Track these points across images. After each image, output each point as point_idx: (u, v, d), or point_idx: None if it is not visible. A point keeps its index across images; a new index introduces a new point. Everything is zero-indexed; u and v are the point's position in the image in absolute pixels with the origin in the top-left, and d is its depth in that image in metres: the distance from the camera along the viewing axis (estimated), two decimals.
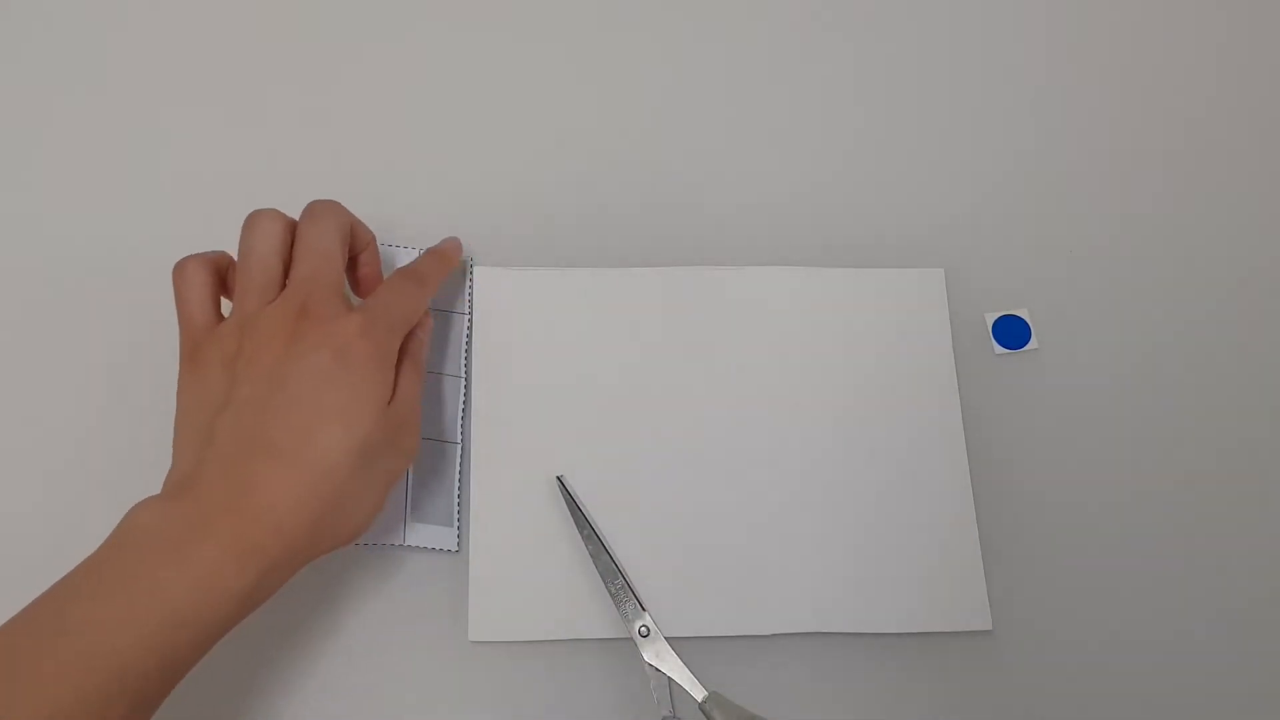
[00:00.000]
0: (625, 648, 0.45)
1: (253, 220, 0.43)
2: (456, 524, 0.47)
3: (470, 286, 0.51)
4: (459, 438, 0.49)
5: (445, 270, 0.48)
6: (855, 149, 0.56)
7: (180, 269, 0.42)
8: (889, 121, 0.57)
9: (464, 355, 0.50)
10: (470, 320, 0.50)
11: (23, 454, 0.49)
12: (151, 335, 0.47)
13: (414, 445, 0.43)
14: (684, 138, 0.56)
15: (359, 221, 0.46)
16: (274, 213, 0.43)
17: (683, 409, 0.49)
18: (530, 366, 0.49)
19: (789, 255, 0.53)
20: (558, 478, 0.47)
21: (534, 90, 0.57)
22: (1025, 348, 0.52)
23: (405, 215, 0.53)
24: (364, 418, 0.39)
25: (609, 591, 0.45)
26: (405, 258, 0.51)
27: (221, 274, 0.43)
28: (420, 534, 0.47)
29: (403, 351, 0.43)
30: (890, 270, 0.52)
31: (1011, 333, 0.52)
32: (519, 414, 0.49)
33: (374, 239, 0.47)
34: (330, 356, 0.39)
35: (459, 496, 0.48)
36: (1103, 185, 0.56)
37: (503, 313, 0.50)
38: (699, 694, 0.44)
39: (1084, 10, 0.60)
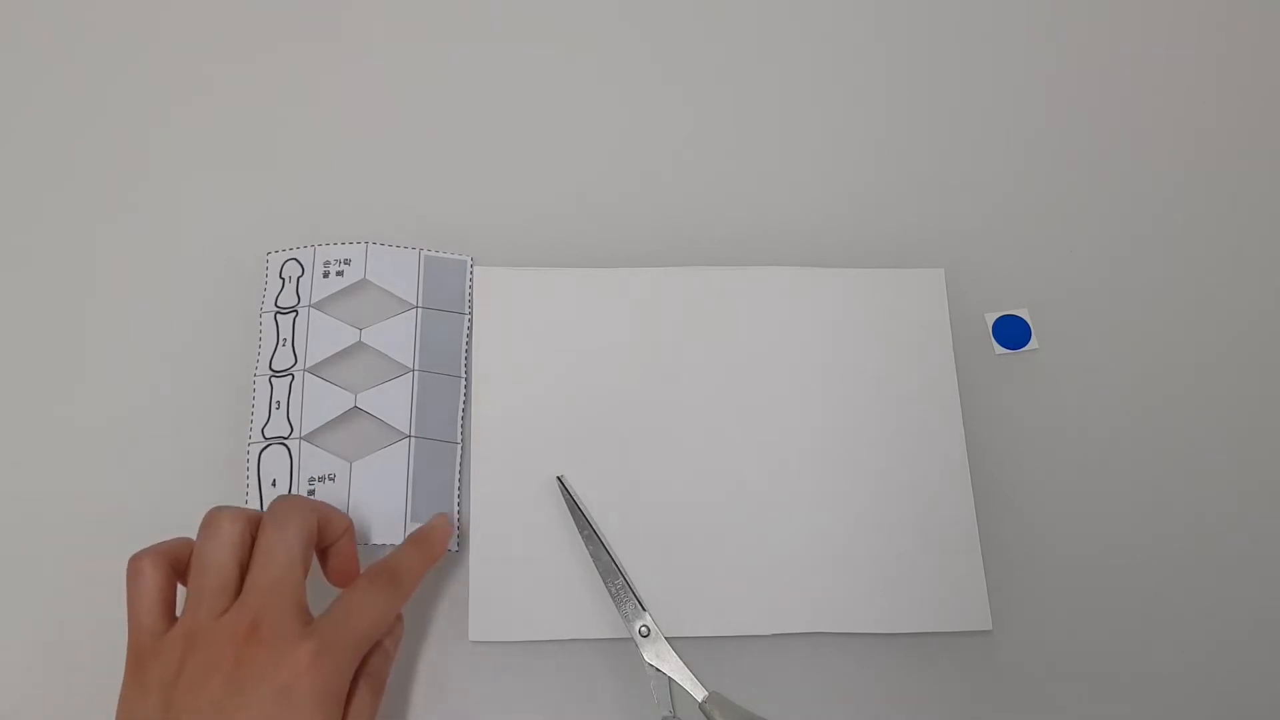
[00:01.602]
0: (625, 648, 0.45)
1: (211, 521, 0.40)
2: (456, 524, 0.47)
3: (470, 286, 0.51)
4: (459, 438, 0.49)
5: (428, 562, 0.44)
6: (856, 149, 0.56)
7: (134, 566, 0.39)
8: (889, 122, 0.57)
9: (464, 355, 0.50)
10: (470, 320, 0.50)
11: None
12: None
13: None
14: (684, 138, 0.56)
15: (331, 512, 0.43)
16: (234, 513, 0.40)
17: (683, 409, 0.49)
18: (530, 366, 0.49)
19: (789, 255, 0.53)
20: (558, 478, 0.47)
21: (534, 90, 0.57)
22: (1025, 348, 0.52)
23: (405, 215, 0.53)
24: None
25: (609, 591, 0.45)
26: (405, 259, 0.51)
27: (179, 568, 0.40)
28: None
29: (361, 670, 0.40)
30: (890, 270, 0.52)
31: (1011, 333, 0.52)
32: (519, 414, 0.49)
33: (349, 526, 0.44)
34: (272, 698, 0.36)
35: (459, 496, 0.48)
36: (1103, 185, 0.56)
37: (502, 312, 0.50)
38: (699, 694, 0.44)
39: (1085, 11, 0.60)
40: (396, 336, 0.50)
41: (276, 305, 0.50)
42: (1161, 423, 0.51)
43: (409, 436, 0.48)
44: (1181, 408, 0.51)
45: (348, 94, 0.56)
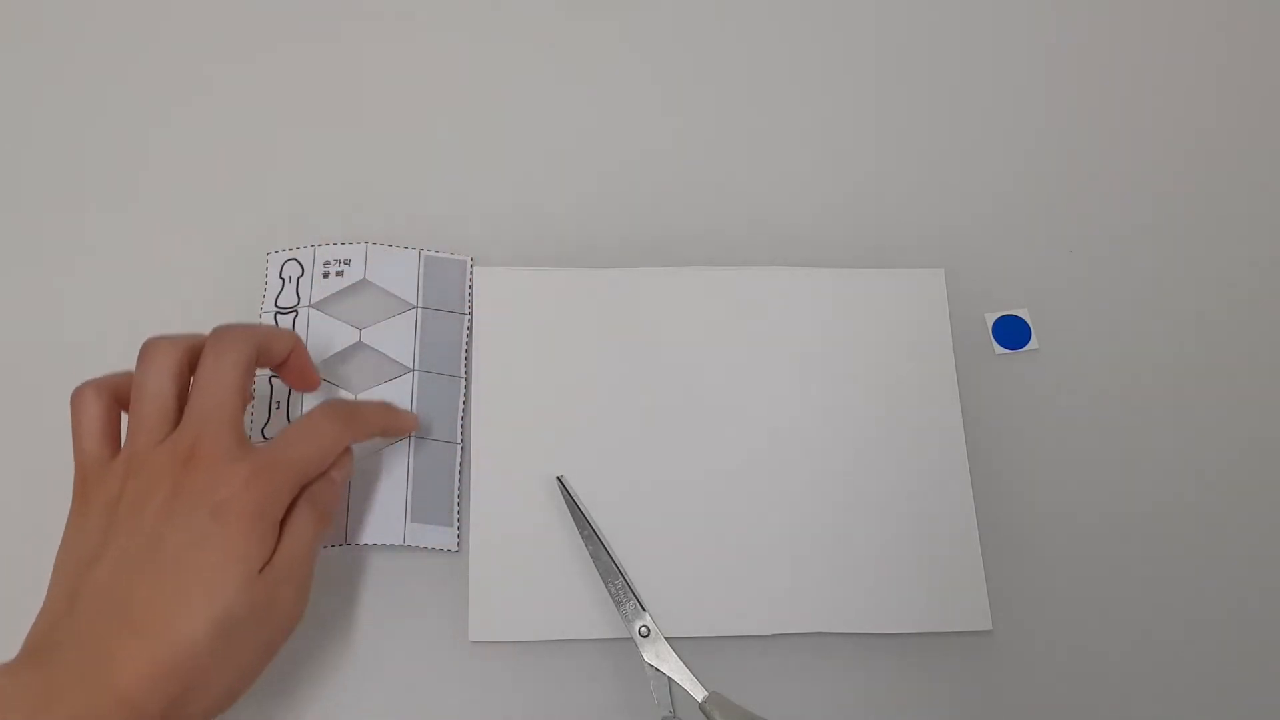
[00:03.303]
0: (625, 648, 0.45)
1: (148, 350, 0.40)
2: (456, 524, 0.47)
3: (470, 286, 0.51)
4: (459, 438, 0.49)
5: (387, 425, 0.45)
6: (856, 150, 0.56)
7: (78, 396, 0.40)
8: (890, 122, 0.57)
9: (463, 355, 0.50)
10: (470, 320, 0.50)
11: None
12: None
13: (294, 610, 0.39)
14: (684, 138, 0.56)
15: (271, 335, 0.43)
16: (171, 342, 0.40)
17: (683, 409, 0.49)
18: (530, 366, 0.49)
19: (789, 255, 0.53)
20: (558, 478, 0.47)
21: (535, 90, 0.57)
22: (1025, 348, 0.52)
23: (405, 215, 0.53)
24: (225, 590, 0.36)
25: (609, 591, 0.45)
26: (405, 259, 0.51)
27: (122, 399, 0.41)
28: (420, 534, 0.47)
29: (302, 496, 0.40)
30: (890, 270, 0.52)
31: (1011, 333, 0.52)
32: (519, 414, 0.49)
33: (296, 343, 0.44)
34: (207, 515, 0.37)
35: (459, 496, 0.48)
36: (1103, 185, 0.56)
37: (502, 313, 0.50)
38: (699, 694, 0.44)
39: (1086, 12, 0.60)
40: (396, 336, 0.50)
41: (276, 305, 0.50)
42: (1162, 422, 0.51)
43: (409, 436, 0.48)
44: (1182, 407, 0.51)
45: (348, 94, 0.56)
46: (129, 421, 0.40)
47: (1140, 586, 0.48)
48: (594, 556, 0.46)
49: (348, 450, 0.43)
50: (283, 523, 0.39)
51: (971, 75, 0.58)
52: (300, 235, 0.52)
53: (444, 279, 0.51)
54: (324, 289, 0.50)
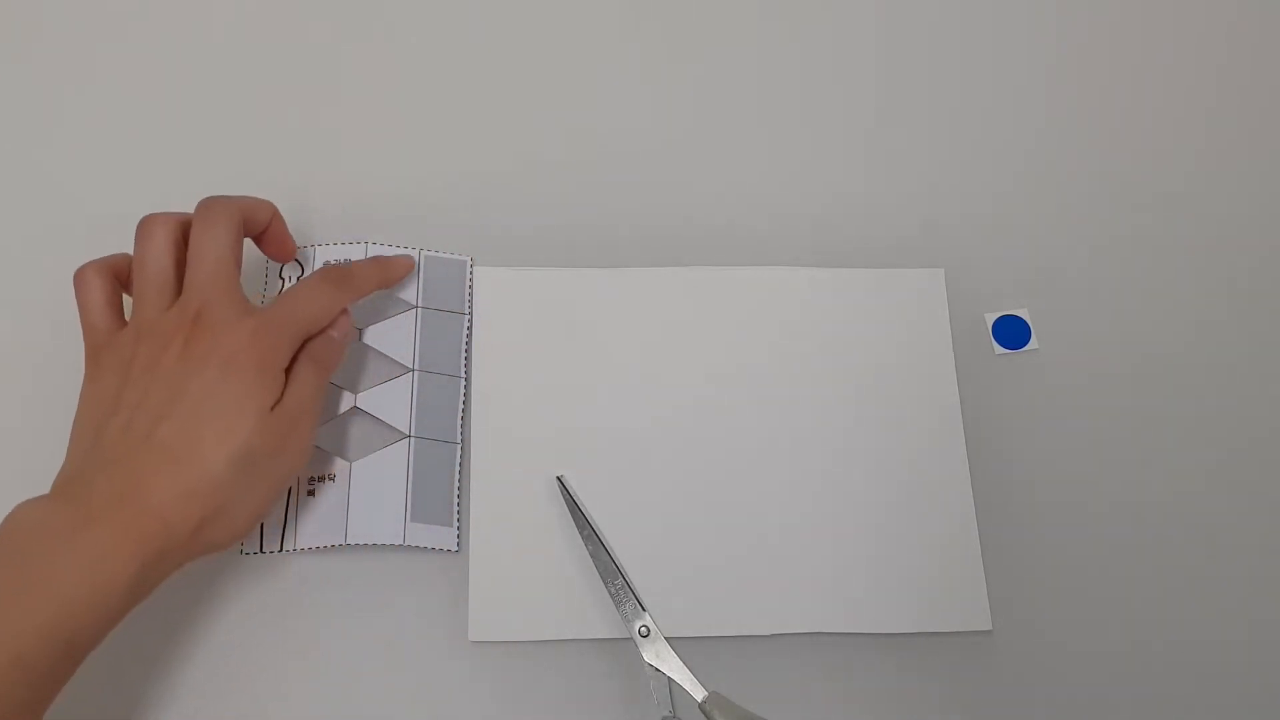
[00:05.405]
0: (625, 648, 0.45)
1: (145, 227, 0.43)
2: (456, 524, 0.47)
3: (470, 286, 0.51)
4: (459, 438, 0.49)
5: (381, 279, 0.48)
6: (856, 149, 0.56)
7: (80, 276, 0.43)
8: (890, 122, 0.57)
9: (463, 355, 0.50)
10: (470, 320, 0.50)
11: None
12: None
13: (303, 447, 0.43)
14: (684, 138, 0.56)
15: (253, 204, 0.45)
16: (165, 218, 0.43)
17: (683, 409, 0.49)
18: (530, 366, 0.49)
19: (789, 255, 0.53)
20: (558, 478, 0.47)
21: (535, 90, 0.57)
22: (1025, 348, 0.52)
23: (405, 214, 0.53)
24: (243, 425, 0.40)
25: (609, 591, 0.45)
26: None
27: (122, 278, 0.44)
28: (420, 534, 0.47)
29: (303, 351, 0.43)
30: (890, 270, 0.52)
31: (1011, 333, 0.52)
32: (519, 414, 0.49)
33: (274, 211, 0.47)
34: (217, 365, 0.40)
35: (459, 496, 0.48)
36: (1102, 186, 0.56)
37: (502, 313, 0.50)
38: (699, 694, 0.44)
39: (1085, 11, 0.60)
40: (396, 336, 0.50)
41: None
42: (1161, 422, 0.51)
43: (409, 436, 0.48)
44: (1182, 407, 0.51)
45: (348, 94, 0.56)
46: (134, 295, 0.43)
47: (1140, 586, 0.48)
48: (594, 556, 0.46)
49: (345, 312, 0.46)
50: (288, 372, 0.42)
51: (971, 75, 0.58)
52: (300, 235, 0.52)
53: (444, 279, 0.51)
54: None
